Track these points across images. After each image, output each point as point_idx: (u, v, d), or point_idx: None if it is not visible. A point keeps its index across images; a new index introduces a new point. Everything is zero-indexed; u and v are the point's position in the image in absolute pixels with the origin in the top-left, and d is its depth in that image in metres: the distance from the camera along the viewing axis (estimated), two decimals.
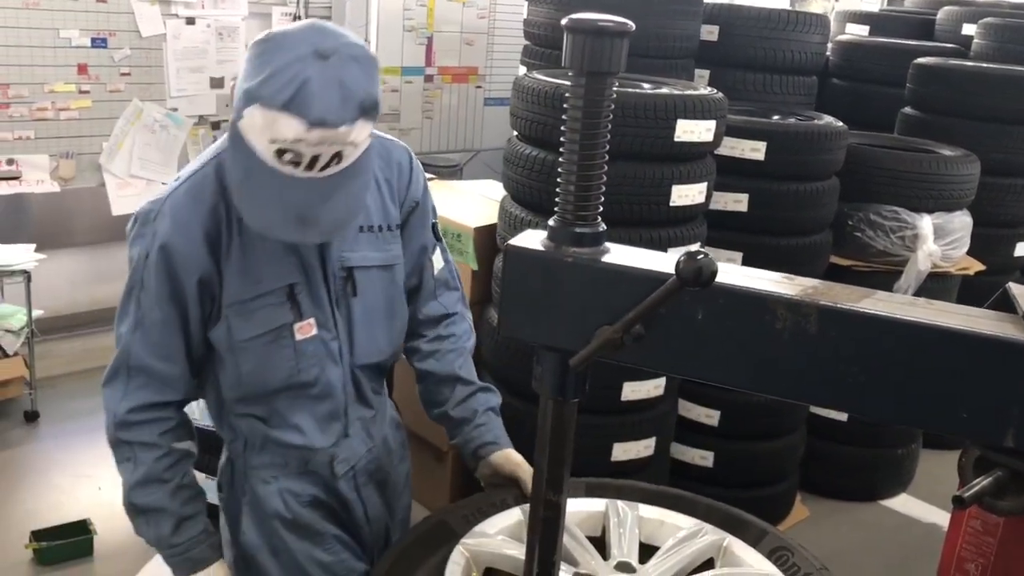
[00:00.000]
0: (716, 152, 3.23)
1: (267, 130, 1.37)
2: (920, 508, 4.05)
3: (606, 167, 1.12)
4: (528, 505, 1.53)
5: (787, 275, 1.09)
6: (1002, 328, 0.97)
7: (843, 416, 3.96)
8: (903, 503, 4.11)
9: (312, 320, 1.61)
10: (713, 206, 3.40)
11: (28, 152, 4.22)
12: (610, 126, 1.12)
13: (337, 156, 1.40)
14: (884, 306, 1.01)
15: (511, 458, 1.79)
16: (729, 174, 3.39)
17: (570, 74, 1.09)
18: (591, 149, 1.09)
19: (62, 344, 4.92)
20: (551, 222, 1.13)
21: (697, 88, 3.12)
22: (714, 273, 0.99)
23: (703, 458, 3.64)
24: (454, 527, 1.61)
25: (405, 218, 1.74)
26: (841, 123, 3.59)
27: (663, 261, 1.09)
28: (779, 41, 4.01)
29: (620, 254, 1.12)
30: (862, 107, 4.66)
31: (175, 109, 4.66)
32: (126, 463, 1.62)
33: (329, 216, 1.44)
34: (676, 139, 2.86)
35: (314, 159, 1.39)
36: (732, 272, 1.07)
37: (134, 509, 1.63)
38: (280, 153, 1.38)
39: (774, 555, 1.61)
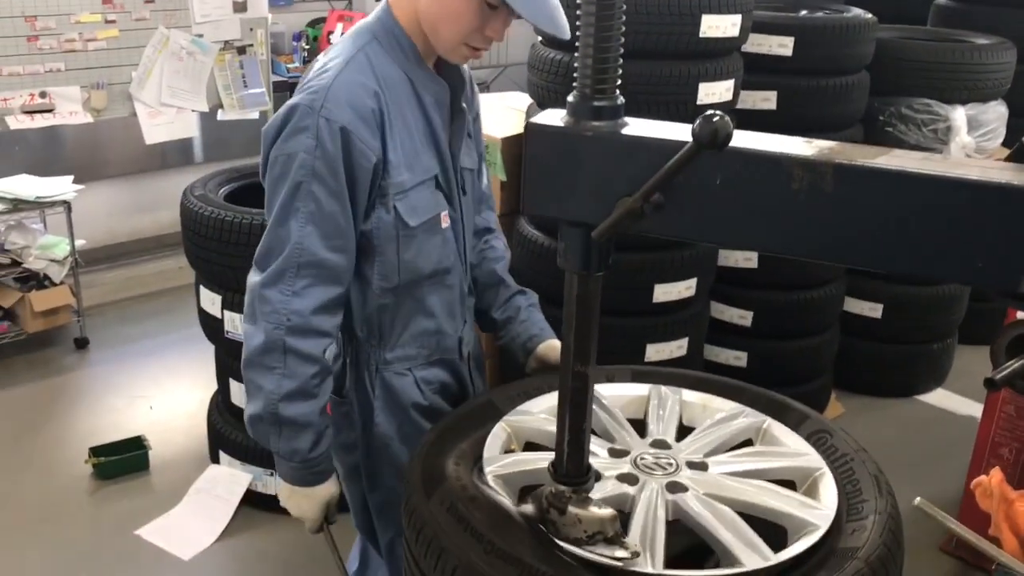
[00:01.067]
0: (743, 50, 3.19)
1: None
2: (956, 402, 4.07)
3: (623, 39, 1.13)
4: None
5: (806, 139, 1.11)
6: (1016, 177, 0.99)
7: (877, 313, 3.98)
8: (939, 398, 4.13)
9: (447, 211, 1.73)
10: (741, 105, 3.38)
11: (59, 84, 4.27)
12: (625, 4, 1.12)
13: None
14: (899, 161, 1.03)
15: (555, 347, 1.86)
16: (756, 72, 3.35)
17: None
18: (607, 20, 1.11)
19: (106, 274, 5.04)
20: (570, 98, 1.15)
21: None
22: (730, 135, 1.01)
23: (737, 358, 3.69)
24: (499, 406, 1.67)
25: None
26: (869, 14, 3.52)
27: (681, 130, 1.11)
28: None
29: (639, 126, 1.14)
30: (895, 1, 4.55)
31: (200, 35, 4.66)
32: (272, 372, 1.58)
33: (562, 14, 1.54)
34: (701, 35, 2.83)
35: None
36: (749, 137, 1.09)
37: (277, 420, 1.61)
38: None
39: (813, 438, 1.63)
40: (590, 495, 1.34)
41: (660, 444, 1.63)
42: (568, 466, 1.32)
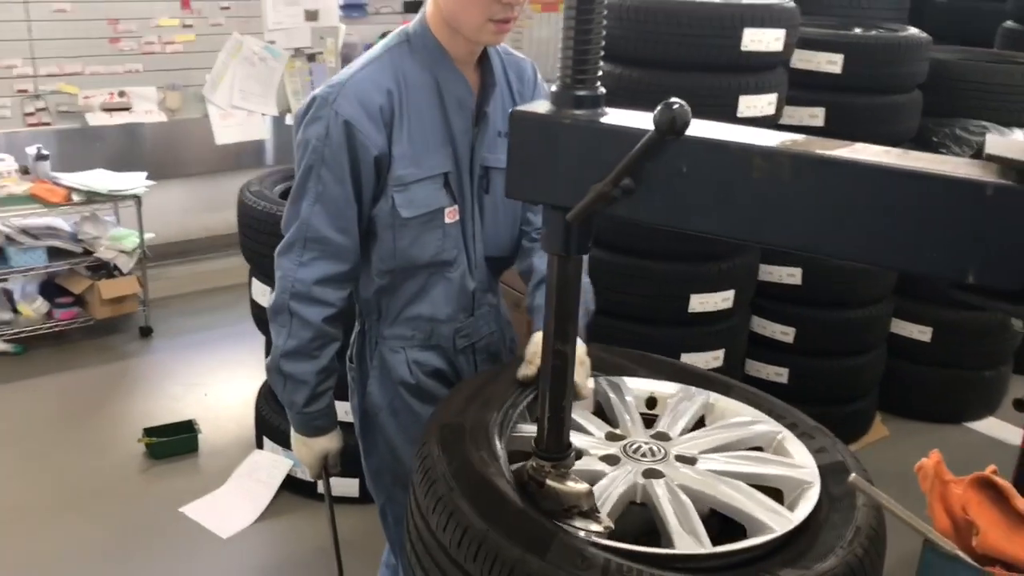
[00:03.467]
0: (791, 66, 3.21)
1: None
2: (1007, 431, 3.97)
3: (604, 32, 1.20)
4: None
5: (773, 131, 1.15)
6: (966, 170, 1.02)
7: (927, 336, 3.93)
8: (989, 426, 4.05)
9: (456, 207, 1.80)
10: (788, 121, 3.40)
11: (137, 84, 4.50)
12: None
13: None
14: (854, 153, 1.07)
15: (535, 339, 1.83)
16: (805, 88, 3.38)
17: None
18: (587, 14, 1.17)
19: (173, 268, 5.27)
20: (552, 87, 1.22)
21: None
22: (687, 122, 1.06)
23: (778, 374, 3.68)
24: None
25: None
26: (923, 34, 3.51)
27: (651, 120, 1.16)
28: None
29: (617, 116, 1.20)
30: (960, 23, 4.51)
31: (272, 42, 4.85)
32: (282, 330, 1.76)
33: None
34: (743, 48, 2.87)
35: None
36: (715, 128, 1.14)
37: (279, 373, 1.80)
38: None
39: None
40: (570, 468, 1.39)
41: (661, 436, 1.67)
42: (548, 441, 1.38)
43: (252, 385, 3.82)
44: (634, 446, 1.60)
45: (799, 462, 1.58)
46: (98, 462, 3.57)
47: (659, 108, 1.07)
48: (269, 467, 3.39)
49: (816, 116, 3.41)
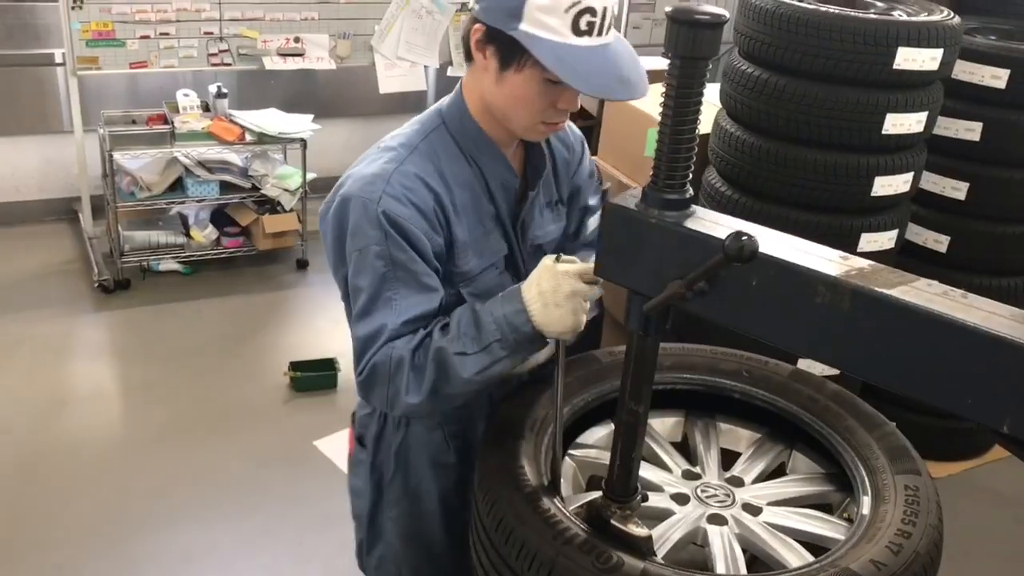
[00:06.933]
0: (952, 76, 3.12)
1: (562, 0, 1.44)
2: None
3: (696, 141, 1.29)
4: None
5: (843, 254, 1.23)
6: (1012, 328, 1.08)
7: None
8: None
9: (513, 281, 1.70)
10: (943, 133, 3.32)
11: (312, 32, 4.75)
12: (701, 107, 1.28)
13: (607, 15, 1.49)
14: (914, 295, 1.14)
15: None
16: (964, 99, 3.27)
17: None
18: (680, 126, 1.27)
19: None
20: (644, 187, 1.33)
21: (932, 12, 3.00)
22: (754, 252, 1.15)
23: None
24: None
25: (571, 193, 1.89)
26: None
27: (731, 231, 1.25)
28: None
29: (701, 221, 1.30)
30: None
31: None
32: (408, 381, 1.57)
33: (639, 74, 1.52)
34: (895, 67, 2.81)
35: (603, 16, 1.48)
36: (787, 247, 1.22)
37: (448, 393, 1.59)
38: (578, 19, 1.46)
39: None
40: (635, 511, 1.53)
41: (735, 480, 1.78)
42: (616, 485, 1.52)
43: None
44: (706, 489, 1.72)
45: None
46: (247, 388, 3.95)
47: (730, 236, 1.16)
48: None
49: (973, 130, 3.30)
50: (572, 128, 1.86)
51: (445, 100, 1.69)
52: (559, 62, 1.45)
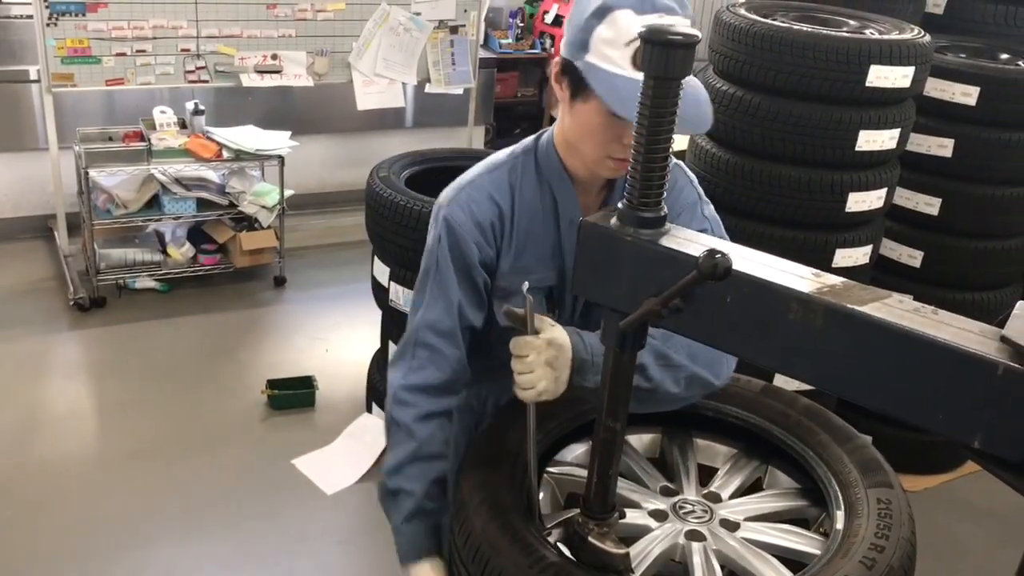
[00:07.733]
0: (924, 93, 3.16)
1: (624, 33, 1.49)
2: None
3: (669, 160, 1.30)
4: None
5: (815, 271, 1.24)
6: (982, 344, 1.09)
7: None
8: None
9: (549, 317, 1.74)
10: (916, 149, 3.36)
11: (289, 49, 4.76)
12: (674, 126, 1.29)
13: None
14: (885, 311, 1.15)
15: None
16: (936, 116, 3.32)
17: (642, 76, 1.27)
18: (654, 145, 1.28)
19: (310, 220, 5.59)
20: (619, 204, 1.34)
21: (903, 31, 3.05)
22: (728, 269, 1.16)
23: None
24: None
25: None
26: None
27: (705, 248, 1.27)
28: None
29: (676, 240, 1.31)
30: None
31: (418, 13, 5.03)
32: (395, 447, 1.73)
33: (697, 111, 1.52)
34: (868, 84, 2.85)
35: None
36: (761, 264, 1.23)
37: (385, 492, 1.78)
38: (637, 53, 1.47)
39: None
40: (613, 527, 1.54)
41: (712, 496, 1.79)
42: (593, 502, 1.52)
43: (371, 348, 4.09)
44: (683, 506, 1.73)
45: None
46: (225, 406, 3.93)
47: (704, 254, 1.17)
48: (375, 431, 3.66)
49: (945, 147, 3.34)
50: (684, 193, 1.81)
51: (542, 133, 1.77)
52: (611, 90, 1.50)
